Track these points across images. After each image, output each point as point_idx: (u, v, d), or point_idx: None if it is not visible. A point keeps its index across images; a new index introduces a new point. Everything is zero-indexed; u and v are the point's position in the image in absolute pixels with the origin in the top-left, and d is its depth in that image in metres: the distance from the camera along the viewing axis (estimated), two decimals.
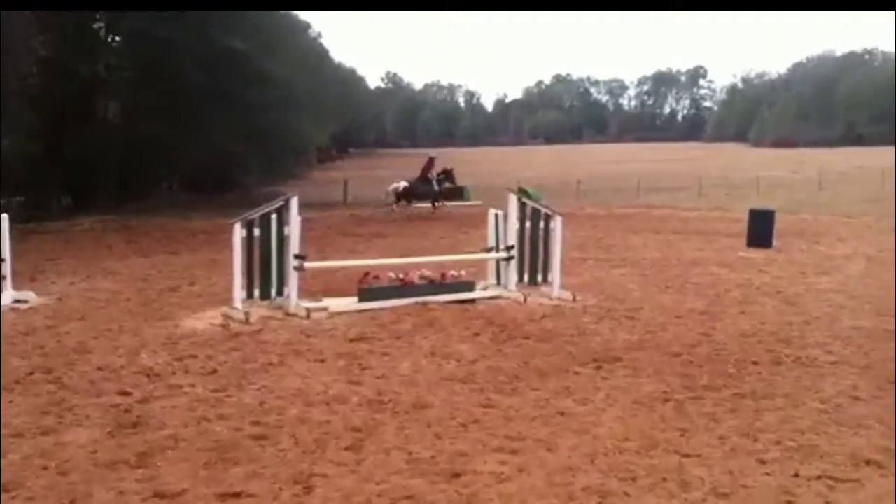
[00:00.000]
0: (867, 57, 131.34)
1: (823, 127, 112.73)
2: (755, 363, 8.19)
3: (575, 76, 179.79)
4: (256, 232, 10.37)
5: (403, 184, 29.33)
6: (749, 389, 7.25)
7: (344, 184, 40.01)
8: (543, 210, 12.29)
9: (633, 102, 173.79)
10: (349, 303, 10.78)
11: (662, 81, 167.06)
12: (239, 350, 8.55)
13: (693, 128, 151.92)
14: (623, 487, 5.01)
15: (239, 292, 10.28)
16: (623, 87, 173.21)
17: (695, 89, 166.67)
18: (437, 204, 29.47)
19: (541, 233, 12.07)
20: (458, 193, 34.34)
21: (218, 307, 10.61)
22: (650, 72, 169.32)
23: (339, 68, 78.23)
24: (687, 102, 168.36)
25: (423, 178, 29.74)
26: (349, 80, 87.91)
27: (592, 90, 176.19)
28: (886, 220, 26.05)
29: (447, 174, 30.58)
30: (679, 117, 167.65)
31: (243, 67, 30.89)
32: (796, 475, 5.25)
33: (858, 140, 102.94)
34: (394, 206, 29.01)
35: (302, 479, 5.11)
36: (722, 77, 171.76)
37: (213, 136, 32.15)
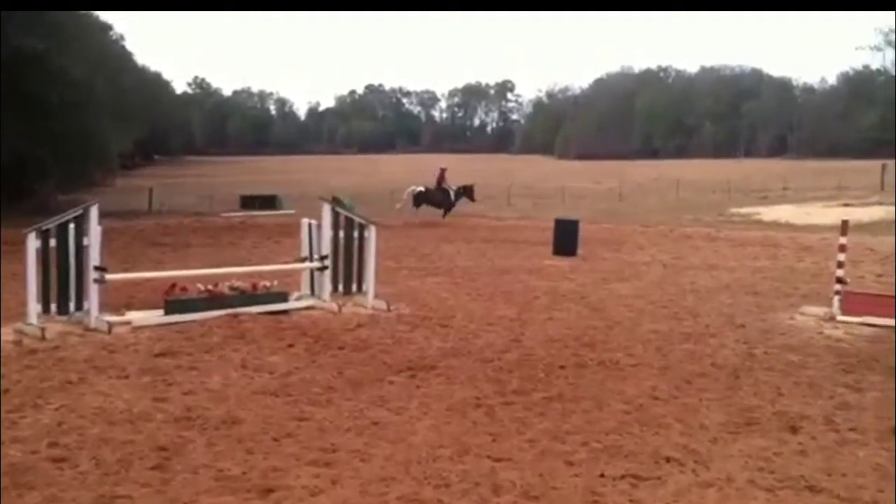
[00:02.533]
0: (662, 74, 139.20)
1: (623, 140, 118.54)
2: (562, 367, 8.47)
3: (387, 86, 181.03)
4: (52, 243, 9.77)
5: (420, 188, 30.86)
6: (557, 393, 7.48)
7: (149, 192, 38.51)
8: (357, 219, 12.26)
9: (444, 114, 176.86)
10: (155, 316, 10.34)
11: (472, 94, 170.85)
12: (34, 368, 8.02)
13: (502, 140, 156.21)
14: (437, 495, 5.04)
15: (34, 307, 9.66)
16: (435, 99, 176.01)
17: (503, 102, 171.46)
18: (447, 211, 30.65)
19: (355, 242, 12.03)
20: (269, 203, 33.73)
21: (11, 323, 9.91)
22: (460, 84, 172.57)
23: (142, 71, 75.47)
24: (496, 115, 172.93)
25: (439, 186, 31.22)
26: (154, 83, 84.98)
27: (405, 101, 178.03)
28: (679, 228, 27.70)
29: (466, 189, 31.63)
30: (488, 129, 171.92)
31: (39, 67, 29.18)
32: (602, 475, 5.45)
33: (654, 153, 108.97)
34: (412, 208, 30.38)
35: (104, 502, 4.84)
36: (528, 91, 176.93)
37: (6, 139, 30.15)
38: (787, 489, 5.32)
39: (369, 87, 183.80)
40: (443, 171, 31.40)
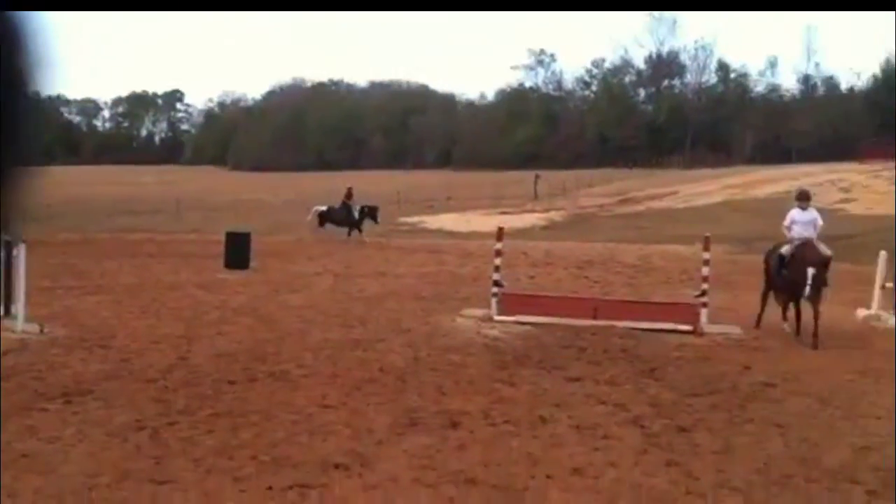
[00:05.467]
0: (333, 87, 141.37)
1: (296, 153, 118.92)
2: (231, 382, 8.30)
3: (42, 94, 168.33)
4: None
5: (323, 208, 29.49)
6: (225, 409, 7.31)
7: None
8: (3, 237, 11.23)
9: (108, 124, 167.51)
10: None
11: (138, 103, 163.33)
12: None
13: (171, 150, 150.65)
14: None
15: None
16: (97, 108, 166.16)
17: (172, 112, 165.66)
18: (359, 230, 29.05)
19: (1, 262, 11.01)
20: None
21: None
22: (125, 93, 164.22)
23: None
24: (164, 125, 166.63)
25: (344, 205, 29.49)
26: None
27: (64, 110, 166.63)
28: (350, 238, 28.30)
29: (371, 210, 29.62)
30: (156, 139, 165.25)
31: None
32: (269, 488, 5.40)
33: (327, 165, 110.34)
34: (317, 227, 29.04)
35: None
36: (199, 101, 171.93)
37: None
38: (449, 483, 5.57)
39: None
40: (349, 189, 30.16)
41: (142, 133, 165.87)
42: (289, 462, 5.91)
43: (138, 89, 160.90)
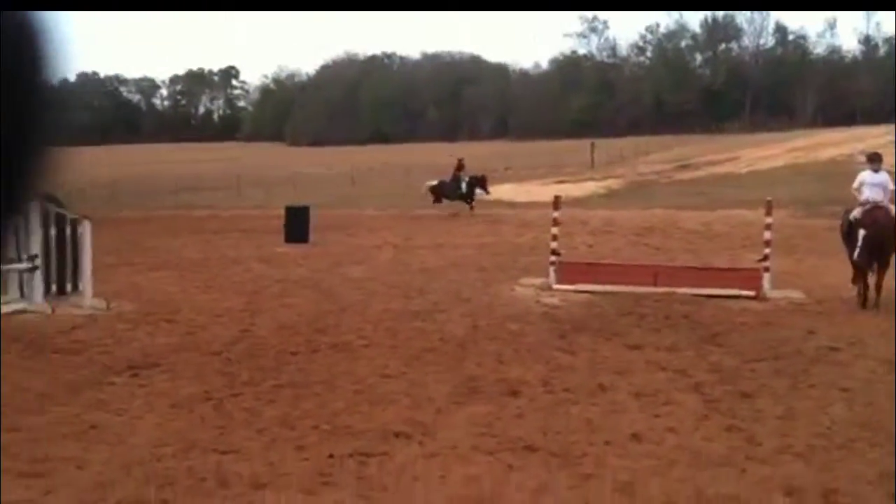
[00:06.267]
0: (386, 61, 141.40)
1: (352, 127, 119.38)
2: (293, 354, 8.43)
3: (102, 74, 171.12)
4: None
5: (434, 182, 28.59)
6: (288, 380, 7.43)
7: None
8: (70, 215, 11.51)
9: (166, 102, 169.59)
10: None
11: (195, 81, 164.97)
12: None
13: (229, 127, 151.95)
14: (161, 494, 4.86)
15: None
16: (155, 87, 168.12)
17: (228, 89, 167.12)
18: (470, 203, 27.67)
19: (68, 239, 11.28)
20: None
21: None
22: (182, 71, 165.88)
23: None
24: (221, 102, 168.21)
25: (454, 178, 28.28)
26: None
27: (122, 89, 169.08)
28: (411, 211, 28.36)
29: (479, 179, 28.66)
30: (215, 117, 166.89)
31: None
32: (331, 456, 5.48)
33: (384, 139, 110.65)
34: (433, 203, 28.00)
35: None
36: (254, 77, 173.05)
37: None
38: (507, 451, 5.60)
39: (82, 76, 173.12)
40: (460, 161, 29.09)
41: (199, 111, 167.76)
42: (349, 431, 5.99)
43: (194, 67, 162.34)
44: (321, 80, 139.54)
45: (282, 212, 20.76)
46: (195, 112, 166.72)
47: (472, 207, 27.38)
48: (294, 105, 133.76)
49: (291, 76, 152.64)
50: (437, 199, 28.09)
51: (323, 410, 6.50)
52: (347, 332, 9.49)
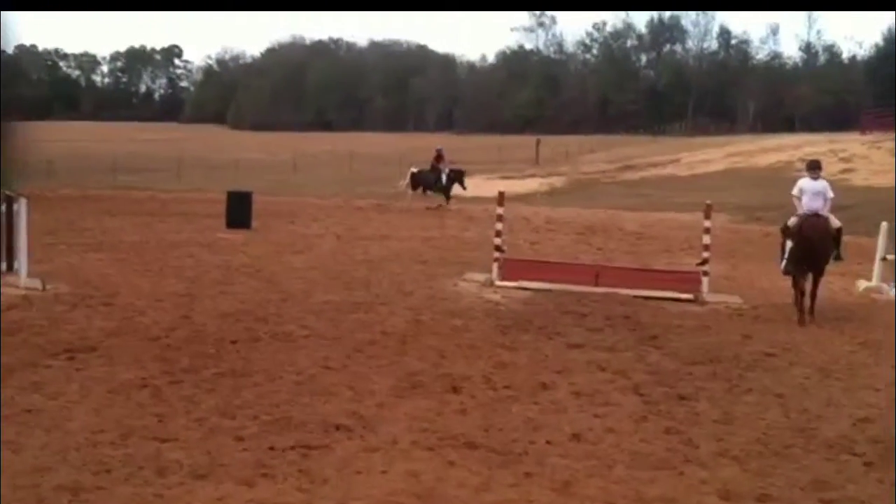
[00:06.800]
0: (333, 46, 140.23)
1: (296, 111, 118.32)
2: (234, 342, 8.34)
3: (41, 47, 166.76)
4: None
5: (415, 169, 27.96)
6: (228, 368, 7.36)
7: None
8: (5, 192, 11.22)
9: (106, 79, 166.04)
10: None
11: (136, 58, 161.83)
12: None
13: (170, 108, 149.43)
14: (97, 481, 4.80)
15: None
16: (95, 63, 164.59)
17: (171, 68, 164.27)
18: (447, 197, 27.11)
19: (2, 217, 11.00)
20: None
21: None
22: (123, 48, 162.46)
23: None
24: (164, 81, 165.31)
25: (433, 168, 27.64)
26: None
27: (62, 64, 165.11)
28: (353, 200, 28.24)
29: (457, 174, 27.59)
30: (156, 96, 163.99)
31: None
32: (272, 448, 5.44)
33: (328, 125, 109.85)
34: (410, 192, 27.41)
35: None
36: (197, 58, 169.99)
37: None
38: (448, 447, 5.62)
39: (20, 48, 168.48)
40: (439, 152, 28.22)
41: (141, 89, 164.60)
42: (290, 423, 5.96)
43: (136, 44, 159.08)
44: (266, 63, 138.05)
45: (223, 196, 20.50)
46: (136, 91, 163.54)
47: (448, 201, 26.94)
48: (238, 87, 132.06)
49: (236, 58, 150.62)
50: (415, 187, 27.67)
51: (263, 401, 6.46)
52: (289, 321, 9.42)
